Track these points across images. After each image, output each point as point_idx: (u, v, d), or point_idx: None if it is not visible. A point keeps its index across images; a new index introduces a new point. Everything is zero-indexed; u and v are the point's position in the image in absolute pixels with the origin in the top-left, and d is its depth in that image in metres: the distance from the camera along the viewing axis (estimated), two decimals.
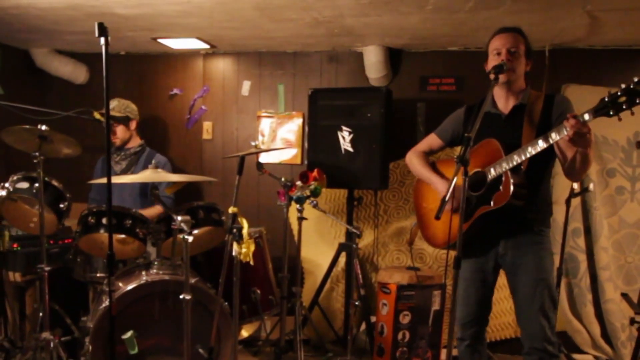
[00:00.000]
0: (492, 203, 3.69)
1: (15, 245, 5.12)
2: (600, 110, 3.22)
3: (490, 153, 3.74)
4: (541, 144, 3.47)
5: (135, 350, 4.22)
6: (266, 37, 5.86)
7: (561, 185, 5.54)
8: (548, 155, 3.69)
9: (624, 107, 3.14)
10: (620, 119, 3.18)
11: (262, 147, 6.39)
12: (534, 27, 5.09)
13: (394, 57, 6.14)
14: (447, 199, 3.19)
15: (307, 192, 4.89)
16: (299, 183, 5.00)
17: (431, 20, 5.03)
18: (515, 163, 3.58)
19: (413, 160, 4.33)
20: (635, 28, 5.10)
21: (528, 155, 3.53)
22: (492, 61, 3.81)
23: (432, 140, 4.34)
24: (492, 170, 3.70)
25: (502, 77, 3.69)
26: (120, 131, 5.88)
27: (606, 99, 3.20)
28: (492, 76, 3.63)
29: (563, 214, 5.22)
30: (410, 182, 6.00)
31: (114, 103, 5.91)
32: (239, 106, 6.67)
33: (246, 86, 6.62)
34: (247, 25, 5.40)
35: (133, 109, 6.02)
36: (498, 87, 3.85)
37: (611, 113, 3.19)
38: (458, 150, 3.64)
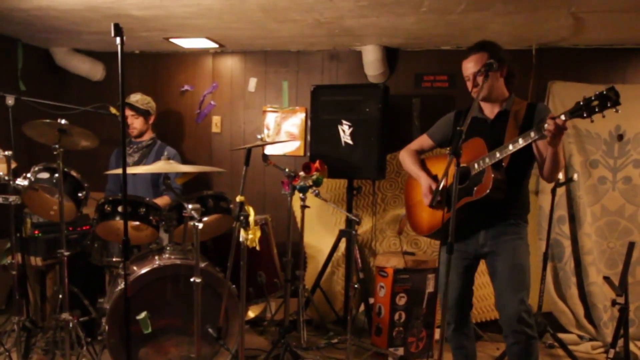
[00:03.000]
0: (474, 194, 3.72)
1: (36, 232, 5.13)
2: (575, 112, 3.28)
3: (475, 150, 3.79)
4: (521, 142, 3.54)
5: (149, 330, 4.23)
6: (271, 37, 5.85)
7: None
8: (527, 157, 3.78)
9: (596, 110, 3.20)
10: (592, 121, 3.23)
11: (268, 140, 6.39)
12: (521, 28, 5.08)
13: (390, 55, 6.13)
14: (439, 189, 3.22)
15: (310, 182, 4.88)
16: (302, 173, 4.99)
17: (426, 21, 5.02)
18: (497, 159, 3.65)
19: (405, 157, 4.39)
20: (616, 29, 5.09)
21: (508, 152, 3.61)
22: (468, 85, 3.88)
23: (423, 140, 4.38)
24: (475, 165, 3.76)
25: (476, 95, 3.72)
26: (139, 123, 5.88)
27: (581, 103, 3.26)
28: (481, 77, 3.65)
29: (549, 203, 5.22)
30: (405, 173, 5.99)
31: (137, 96, 5.92)
32: (245, 102, 6.67)
33: (252, 83, 6.61)
34: (253, 26, 5.39)
35: (153, 106, 6.03)
36: (481, 101, 3.91)
37: (585, 115, 3.24)
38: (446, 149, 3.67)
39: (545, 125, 3.35)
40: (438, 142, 4.31)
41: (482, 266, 4.14)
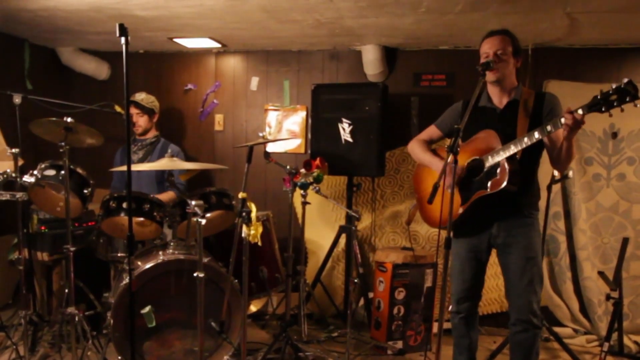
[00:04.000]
0: (488, 188, 3.69)
1: (43, 228, 5.12)
2: (594, 106, 3.24)
3: (488, 142, 3.74)
4: (537, 135, 3.49)
5: (153, 324, 4.23)
6: (273, 37, 5.85)
7: (543, 172, 5.47)
8: (539, 146, 3.71)
9: (615, 104, 3.16)
10: (610, 115, 3.19)
11: (269, 137, 6.40)
12: (517, 28, 5.04)
13: (389, 55, 6.12)
14: (438, 185, 3.21)
15: (311, 179, 4.88)
16: (302, 170, 4.99)
17: (424, 22, 5.01)
18: (512, 152, 3.59)
19: (415, 147, 4.33)
20: (610, 29, 5.08)
21: (524, 145, 3.54)
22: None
23: (432, 131, 4.32)
24: (489, 158, 3.70)
25: (491, 76, 3.74)
26: (143, 121, 5.90)
27: (599, 97, 3.21)
28: (480, 71, 3.64)
29: (545, 199, 5.21)
30: (404, 170, 6.00)
31: (142, 95, 5.93)
32: (248, 100, 6.66)
33: (254, 82, 6.60)
34: (255, 26, 5.38)
35: (157, 105, 6.04)
36: (491, 86, 3.88)
37: (603, 109, 3.21)
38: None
39: (563, 120, 3.32)
40: (446, 132, 4.26)
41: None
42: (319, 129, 5.78)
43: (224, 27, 5.45)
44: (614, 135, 5.56)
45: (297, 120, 6.51)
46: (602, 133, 5.59)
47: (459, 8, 4.57)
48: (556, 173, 5.07)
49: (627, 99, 3.12)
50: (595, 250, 5.66)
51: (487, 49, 3.80)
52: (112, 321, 4.16)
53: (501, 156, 3.63)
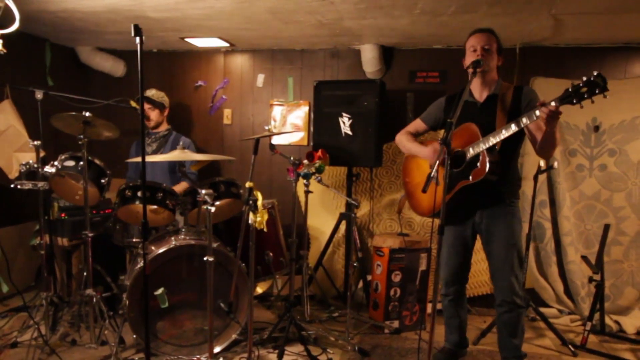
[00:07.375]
0: (470, 178, 3.69)
1: (63, 215, 5.13)
2: (565, 99, 3.22)
3: (469, 135, 3.73)
4: (514, 128, 3.48)
5: (166, 305, 4.23)
6: (278, 37, 5.83)
7: (530, 163, 5.55)
8: (517, 137, 3.71)
9: (585, 96, 3.14)
10: (582, 107, 3.17)
11: (274, 130, 6.38)
12: (506, 28, 5.05)
13: (387, 53, 6.11)
14: (432, 175, 3.19)
15: (313, 169, 4.86)
16: (305, 161, 4.98)
17: (419, 23, 4.99)
18: (491, 143, 3.58)
19: (402, 139, 4.34)
20: (593, 29, 5.06)
21: (502, 137, 3.54)
22: (469, 57, 3.82)
23: (417, 124, 4.34)
24: (470, 149, 3.70)
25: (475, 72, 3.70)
26: (155, 115, 5.89)
27: (570, 90, 3.20)
28: (470, 70, 3.63)
29: (531, 188, 5.20)
30: (400, 161, 5.97)
31: (152, 91, 5.93)
32: (254, 96, 6.64)
33: (260, 79, 6.59)
34: (261, 27, 5.37)
35: (167, 100, 6.04)
36: (475, 79, 3.84)
37: (574, 101, 3.18)
38: (441, 133, 3.65)
39: (537, 112, 3.31)
40: (430, 125, 4.28)
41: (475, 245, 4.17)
42: (321, 123, 5.76)
43: (232, 27, 5.43)
44: (596, 128, 5.55)
45: (300, 114, 6.49)
46: (585, 126, 5.58)
47: (451, 10, 4.55)
48: (542, 164, 5.06)
49: (597, 91, 3.10)
50: (578, 235, 5.65)
51: (475, 43, 3.81)
52: (127, 302, 4.16)
53: (481, 148, 3.63)
